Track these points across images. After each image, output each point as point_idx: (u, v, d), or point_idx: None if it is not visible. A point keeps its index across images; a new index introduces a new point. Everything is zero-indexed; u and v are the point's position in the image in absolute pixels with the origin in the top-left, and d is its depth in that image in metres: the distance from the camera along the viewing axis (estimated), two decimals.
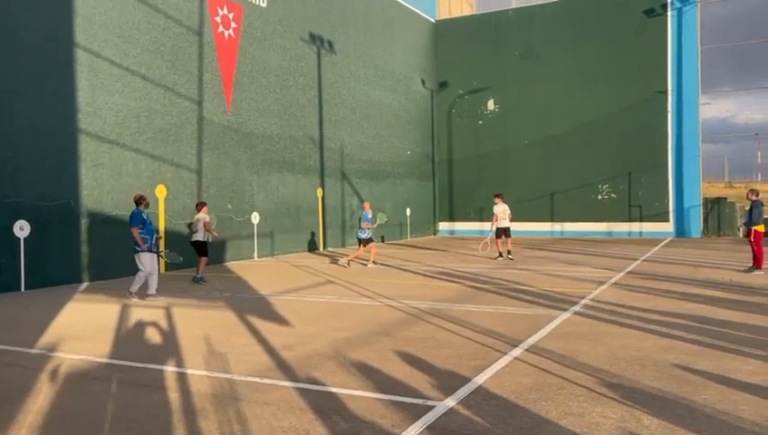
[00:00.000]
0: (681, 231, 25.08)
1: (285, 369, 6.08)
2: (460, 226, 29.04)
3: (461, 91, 28.85)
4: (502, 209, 17.07)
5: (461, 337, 7.39)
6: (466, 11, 32.86)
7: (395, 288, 11.74)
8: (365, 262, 16.58)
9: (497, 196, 17.50)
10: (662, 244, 21.72)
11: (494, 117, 28.32)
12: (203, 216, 13.27)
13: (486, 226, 27.31)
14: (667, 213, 25.28)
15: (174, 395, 5.30)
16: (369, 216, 16.13)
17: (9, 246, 11.95)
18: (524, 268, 14.80)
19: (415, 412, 4.72)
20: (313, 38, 20.98)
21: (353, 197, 23.19)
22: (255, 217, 18.24)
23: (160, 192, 15.16)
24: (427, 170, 28.73)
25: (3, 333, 8.10)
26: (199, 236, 13.22)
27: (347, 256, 16.99)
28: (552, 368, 5.92)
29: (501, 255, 17.02)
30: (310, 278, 13.62)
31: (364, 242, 16.02)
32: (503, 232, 17.02)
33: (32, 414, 4.88)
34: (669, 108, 25.10)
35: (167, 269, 15.18)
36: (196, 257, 13.30)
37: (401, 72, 26.59)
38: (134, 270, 14.30)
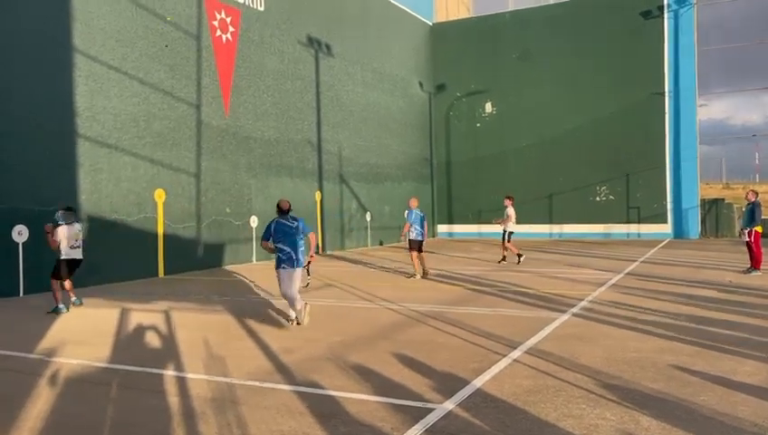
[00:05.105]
0: (679, 232, 25.12)
1: (285, 372, 6.08)
2: (459, 228, 29.05)
3: (459, 94, 28.89)
4: (513, 212, 16.96)
5: (460, 340, 7.39)
6: (463, 14, 32.94)
7: (394, 291, 11.74)
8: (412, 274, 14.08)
9: (509, 197, 17.35)
10: (660, 245, 21.74)
11: (492, 119, 28.36)
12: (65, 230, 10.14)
13: (485, 228, 27.49)
14: (665, 214, 25.32)
15: (173, 399, 5.30)
16: (423, 214, 14.05)
17: (7, 251, 11.94)
18: (523, 270, 14.80)
19: (414, 415, 4.73)
20: (311, 41, 21.01)
21: (352, 200, 23.20)
22: (254, 221, 18.24)
23: (159, 196, 15.16)
24: (425, 173, 28.75)
25: (2, 338, 8.09)
26: (80, 252, 10.35)
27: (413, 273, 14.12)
28: (551, 370, 5.93)
29: (505, 258, 16.76)
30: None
31: (419, 245, 13.82)
32: (509, 235, 16.83)
33: (32, 419, 4.88)
34: (666, 110, 25.16)
35: (165, 273, 15.19)
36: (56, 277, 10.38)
37: (399, 74, 26.63)
38: (133, 274, 14.41)
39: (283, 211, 8.78)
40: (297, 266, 8.55)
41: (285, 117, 19.75)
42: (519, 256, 16.60)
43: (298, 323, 8.51)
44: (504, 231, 16.89)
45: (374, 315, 9.22)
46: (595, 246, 21.82)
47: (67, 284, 10.39)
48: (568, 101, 26.57)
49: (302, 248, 8.71)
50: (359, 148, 23.64)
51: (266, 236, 8.72)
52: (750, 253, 13.60)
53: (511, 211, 16.98)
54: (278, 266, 8.59)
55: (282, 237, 8.60)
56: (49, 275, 10.23)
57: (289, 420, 4.70)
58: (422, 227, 13.96)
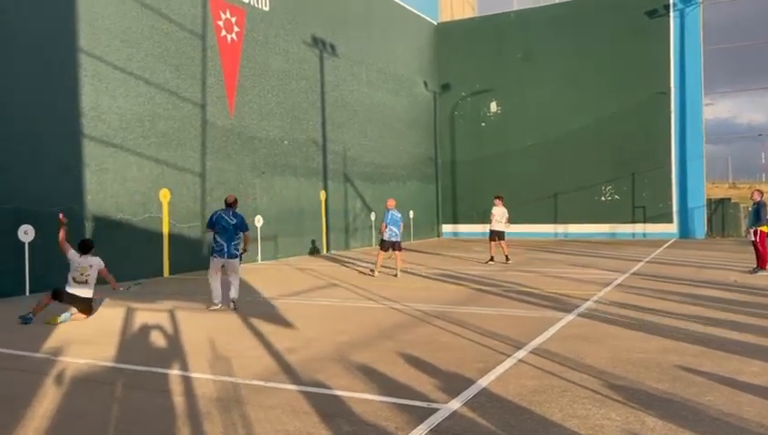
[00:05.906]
0: (685, 232, 25.03)
1: (289, 372, 6.09)
2: (464, 228, 29.02)
3: (463, 94, 28.86)
4: (501, 212, 16.99)
5: (465, 339, 7.39)
6: (468, 13, 32.91)
7: (398, 291, 11.74)
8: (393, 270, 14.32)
9: (497, 197, 17.41)
10: (666, 245, 21.67)
11: (497, 119, 28.33)
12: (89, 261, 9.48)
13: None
14: (671, 214, 25.24)
15: (179, 399, 5.32)
16: (399, 215, 14.25)
17: (13, 251, 11.99)
18: (528, 270, 14.78)
19: (419, 415, 4.72)
20: (315, 41, 21.02)
21: (356, 199, 23.21)
22: (259, 221, 18.26)
23: (164, 196, 15.20)
24: (430, 173, 28.73)
25: (8, 338, 8.13)
26: (87, 292, 9.38)
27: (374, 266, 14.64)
28: (556, 370, 5.91)
29: (492, 259, 16.72)
30: (313, 281, 13.62)
31: (393, 246, 14.06)
32: (497, 235, 16.82)
33: (37, 418, 4.90)
34: (672, 109, 25.08)
35: (170, 273, 15.22)
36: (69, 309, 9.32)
37: (403, 74, 26.62)
38: (139, 274, 14.43)
39: (228, 204, 9.82)
40: (229, 258, 9.69)
41: (290, 117, 19.77)
42: (491, 259, 16.69)
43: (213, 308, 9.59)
44: (491, 230, 16.90)
45: (378, 315, 9.23)
46: (600, 246, 21.77)
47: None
48: (573, 100, 26.51)
49: (236, 242, 9.79)
50: (363, 147, 23.64)
51: (209, 225, 9.86)
52: (756, 253, 13.55)
53: (495, 211, 16.97)
54: (212, 253, 9.84)
55: (219, 230, 9.70)
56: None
57: (294, 420, 4.71)
58: (398, 228, 14.19)
